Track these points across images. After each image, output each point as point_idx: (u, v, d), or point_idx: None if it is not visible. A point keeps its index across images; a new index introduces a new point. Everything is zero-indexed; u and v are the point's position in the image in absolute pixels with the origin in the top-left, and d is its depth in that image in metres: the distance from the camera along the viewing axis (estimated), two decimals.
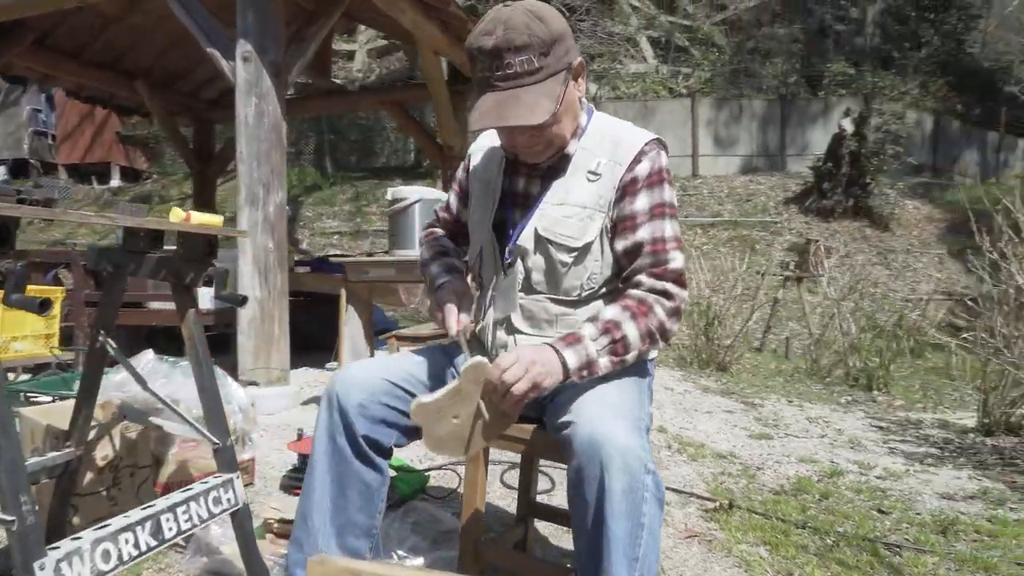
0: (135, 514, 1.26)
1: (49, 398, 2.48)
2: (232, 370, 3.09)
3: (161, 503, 1.32)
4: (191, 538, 1.76)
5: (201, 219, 1.47)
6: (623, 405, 1.27)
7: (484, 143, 1.58)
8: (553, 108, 1.30)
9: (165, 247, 1.45)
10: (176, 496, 1.36)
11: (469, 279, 1.61)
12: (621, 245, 1.40)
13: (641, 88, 14.71)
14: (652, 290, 1.36)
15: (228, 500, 1.48)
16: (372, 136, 15.99)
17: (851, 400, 5.19)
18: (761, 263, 9.46)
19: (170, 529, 1.32)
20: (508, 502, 2.28)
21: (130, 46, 5.74)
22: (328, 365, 4.71)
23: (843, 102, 13.75)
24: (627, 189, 1.38)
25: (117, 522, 1.22)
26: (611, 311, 1.33)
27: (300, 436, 2.40)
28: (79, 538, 1.15)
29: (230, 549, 1.77)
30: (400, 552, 1.75)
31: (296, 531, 1.43)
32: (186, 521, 1.36)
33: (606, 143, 1.42)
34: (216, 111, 7.14)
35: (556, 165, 1.44)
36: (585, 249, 1.39)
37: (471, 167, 1.59)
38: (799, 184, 12.98)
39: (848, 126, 11.89)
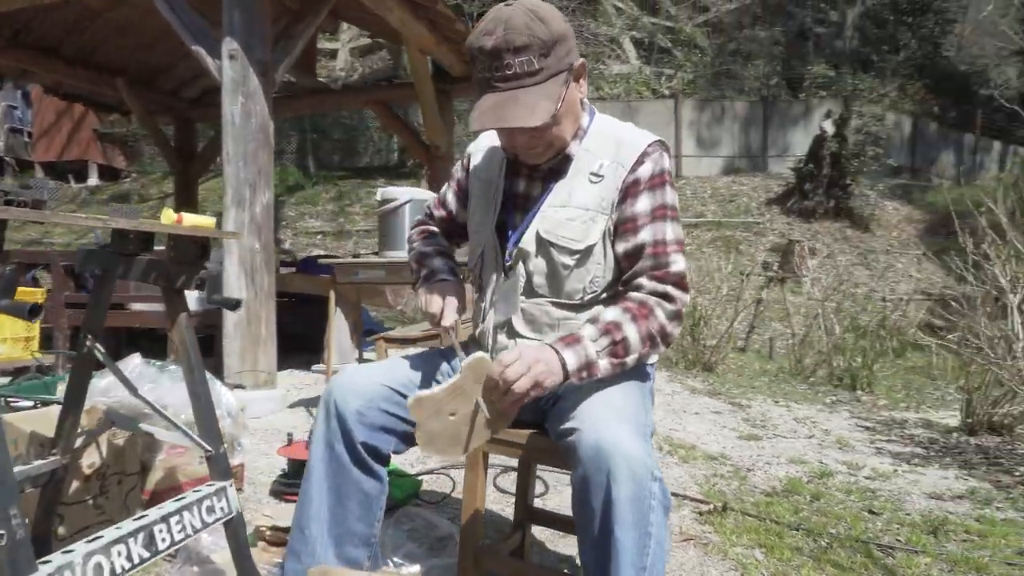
0: (127, 525, 1.23)
1: (30, 403, 2.42)
2: (216, 373, 3.04)
3: (154, 513, 1.29)
4: (181, 547, 1.72)
5: (194, 221, 1.43)
6: (627, 411, 1.26)
7: (484, 143, 1.56)
8: (553, 109, 1.28)
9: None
10: (169, 506, 1.32)
11: (468, 281, 1.59)
12: (622, 247, 1.38)
13: (624, 89, 14.76)
14: (653, 293, 1.34)
15: (221, 509, 1.44)
16: (355, 135, 15.87)
17: (836, 400, 5.23)
18: (744, 264, 9.53)
19: (163, 540, 1.29)
20: (502, 506, 2.26)
21: (110, 42, 5.63)
22: (314, 367, 4.66)
23: (823, 104, 13.89)
24: (629, 191, 1.37)
25: (109, 534, 1.19)
26: (611, 312, 1.31)
27: (290, 440, 2.36)
28: (71, 551, 1.11)
29: (221, 558, 1.73)
30: (396, 559, 1.72)
31: (293, 541, 1.40)
32: (179, 531, 1.33)
33: (608, 144, 1.40)
34: (198, 110, 7.03)
35: (557, 167, 1.42)
36: (587, 252, 1.38)
37: (471, 166, 1.56)
38: (781, 185, 13.09)
39: (829, 128, 12.01)
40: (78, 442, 1.59)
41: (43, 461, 1.50)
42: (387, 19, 4.19)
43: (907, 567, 2.07)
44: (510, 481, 2.43)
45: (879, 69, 16.03)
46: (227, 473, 1.49)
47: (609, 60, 15.57)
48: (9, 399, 2.53)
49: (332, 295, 3.12)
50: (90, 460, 1.72)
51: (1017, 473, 3.23)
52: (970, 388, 4.17)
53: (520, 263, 1.41)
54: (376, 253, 3.10)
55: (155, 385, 1.89)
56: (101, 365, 1.49)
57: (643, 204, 1.36)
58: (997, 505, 2.76)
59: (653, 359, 1.45)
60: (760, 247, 11.41)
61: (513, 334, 1.43)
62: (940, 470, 3.24)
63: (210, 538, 1.75)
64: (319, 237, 12.05)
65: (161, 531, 1.28)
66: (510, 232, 1.45)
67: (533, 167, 1.44)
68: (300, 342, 4.84)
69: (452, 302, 1.42)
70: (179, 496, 1.37)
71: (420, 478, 2.41)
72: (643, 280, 1.35)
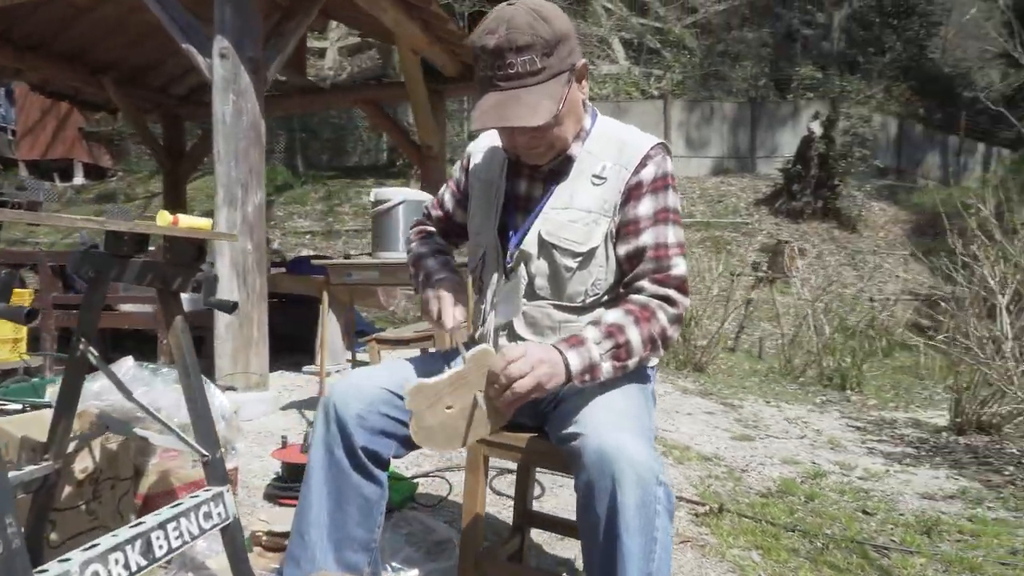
0: (124, 533, 1.20)
1: (19, 406, 2.38)
2: (207, 374, 3.00)
3: (151, 520, 1.26)
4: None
5: (191, 223, 1.41)
6: (630, 414, 1.25)
7: (484, 143, 1.54)
8: (555, 109, 1.27)
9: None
10: (166, 512, 1.30)
11: (469, 283, 1.57)
12: (623, 249, 1.37)
13: (613, 89, 14.80)
14: (655, 296, 1.34)
15: (219, 514, 1.42)
16: (344, 135, 15.81)
17: (826, 400, 5.26)
18: (734, 264, 9.57)
19: (160, 547, 1.27)
20: (498, 509, 2.25)
21: (98, 40, 5.56)
22: (305, 368, 4.63)
23: (811, 105, 14.00)
24: (632, 193, 1.36)
25: (106, 542, 1.16)
26: (614, 315, 1.30)
27: (284, 444, 2.34)
28: (67, 560, 1.09)
29: (217, 563, 1.71)
30: (395, 564, 1.71)
31: (292, 547, 1.38)
32: (176, 538, 1.31)
33: (611, 146, 1.39)
34: (187, 107, 6.96)
35: (559, 168, 1.41)
36: (590, 254, 1.37)
37: (470, 167, 1.55)
38: (769, 186, 13.18)
39: (817, 129, 12.10)
40: (71, 447, 1.57)
41: (35, 466, 1.47)
42: (381, 19, 4.16)
43: (902, 567, 2.08)
44: (506, 483, 2.42)
45: (865, 71, 16.17)
46: (224, 478, 1.47)
47: (598, 60, 15.60)
48: None
49: (325, 296, 3.09)
50: (83, 465, 1.69)
51: (1006, 472, 3.27)
52: (959, 388, 4.21)
53: (522, 265, 1.40)
54: (369, 254, 3.08)
55: (148, 388, 1.86)
56: (94, 368, 1.47)
57: (646, 207, 1.36)
58: (988, 505, 2.78)
59: (653, 361, 1.44)
60: (749, 247, 11.47)
61: (514, 337, 1.42)
62: (931, 470, 3.26)
63: (205, 543, 1.72)
64: (308, 237, 11.99)
65: (159, 538, 1.26)
66: (511, 233, 1.43)
67: (534, 168, 1.43)
68: (290, 343, 4.80)
69: (453, 301, 1.41)
70: (176, 502, 1.35)
71: (416, 481, 2.40)
72: (645, 283, 1.34)
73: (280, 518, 1.91)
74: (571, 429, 1.23)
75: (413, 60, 5.13)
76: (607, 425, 1.18)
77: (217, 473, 1.46)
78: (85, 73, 5.95)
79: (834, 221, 12.34)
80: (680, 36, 16.52)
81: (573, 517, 2.09)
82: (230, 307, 1.50)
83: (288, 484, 2.22)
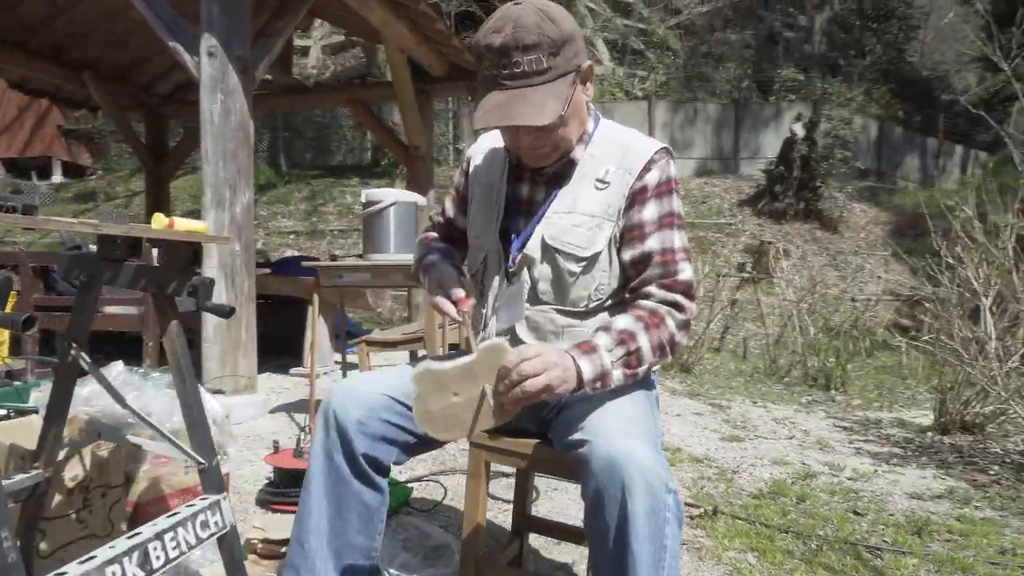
0: (121, 544, 1.18)
1: (2, 411, 2.32)
2: None
3: (147, 530, 1.24)
4: None
5: (186, 226, 1.38)
6: (638, 420, 1.24)
7: (484, 146, 1.53)
8: (560, 109, 1.26)
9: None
10: (163, 522, 1.27)
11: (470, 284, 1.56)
12: (628, 254, 1.36)
13: (598, 90, 14.82)
14: (663, 302, 1.33)
15: (216, 523, 1.40)
16: (328, 134, 15.70)
17: (811, 400, 5.30)
18: (719, 265, 9.63)
19: (157, 558, 1.24)
20: (494, 513, 2.23)
21: (79, 36, 5.47)
22: (292, 370, 4.58)
23: (793, 107, 14.12)
24: (636, 198, 1.35)
25: (103, 554, 1.14)
26: (624, 321, 1.29)
27: (276, 448, 2.31)
28: (63, 573, 1.06)
29: (211, 572, 1.69)
30: (392, 571, 1.69)
31: (292, 555, 1.36)
32: (174, 548, 1.28)
33: (614, 150, 1.39)
34: (171, 106, 6.87)
35: (561, 171, 1.40)
36: (593, 259, 1.36)
37: (470, 171, 1.53)
38: (752, 187, 13.28)
39: (799, 130, 12.21)
40: (61, 454, 1.53)
41: (25, 475, 1.44)
42: (368, 18, 4.14)
43: (896, 569, 2.09)
44: (501, 487, 2.41)
45: (846, 73, 16.37)
46: (221, 486, 1.44)
47: None
48: None
49: (316, 298, 3.06)
50: (73, 473, 1.66)
51: (991, 472, 3.31)
52: (943, 388, 4.26)
53: (524, 269, 1.38)
54: (359, 256, 3.05)
55: (139, 393, 1.82)
56: (84, 373, 1.44)
57: (650, 211, 1.35)
58: (975, 504, 2.81)
59: (657, 366, 1.43)
60: (733, 248, 11.55)
61: (517, 341, 1.41)
62: (918, 470, 3.30)
63: (199, 552, 1.70)
64: (292, 237, 11.89)
65: (155, 549, 1.24)
66: (513, 237, 1.42)
67: (536, 171, 1.42)
68: (277, 345, 4.75)
69: (452, 287, 1.38)
70: (173, 511, 1.32)
71: (411, 485, 2.38)
72: (652, 288, 1.34)
73: (274, 525, 1.88)
74: (578, 436, 1.22)
75: (401, 60, 5.10)
76: (616, 432, 1.17)
77: (213, 480, 1.44)
78: (67, 70, 5.84)
79: (816, 222, 12.46)
80: (664, 37, 16.60)
81: (570, 521, 2.10)
82: (227, 312, 1.47)
83: (281, 489, 2.19)
